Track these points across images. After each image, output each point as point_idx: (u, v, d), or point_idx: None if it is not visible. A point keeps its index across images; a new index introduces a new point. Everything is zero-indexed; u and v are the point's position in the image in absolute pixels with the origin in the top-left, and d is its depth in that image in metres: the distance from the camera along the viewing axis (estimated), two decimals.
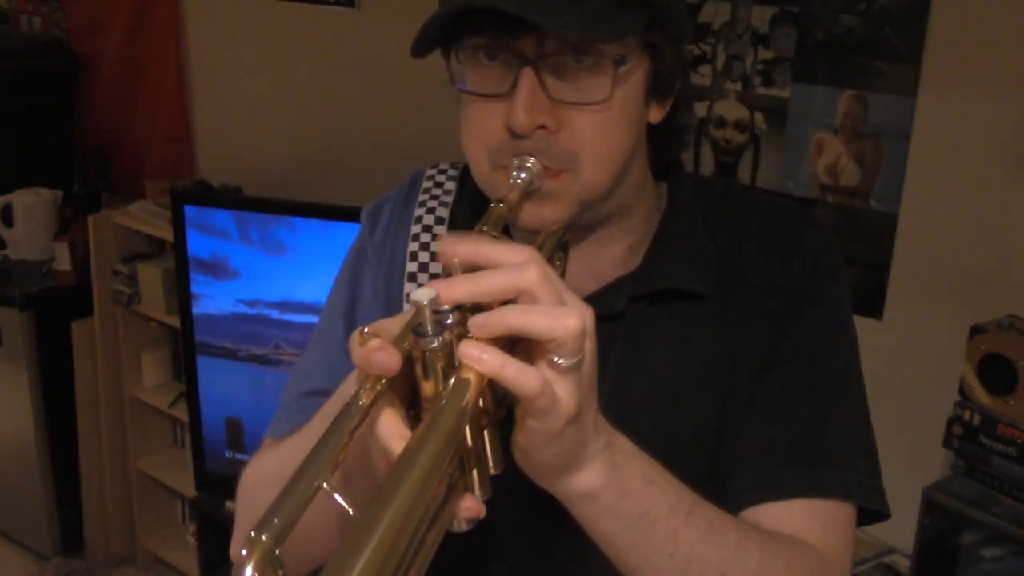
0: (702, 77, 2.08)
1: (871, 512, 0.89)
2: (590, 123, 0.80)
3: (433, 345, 0.62)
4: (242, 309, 2.65)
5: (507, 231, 0.83)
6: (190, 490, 2.91)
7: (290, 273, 2.56)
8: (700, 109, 2.09)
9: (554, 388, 0.63)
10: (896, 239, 1.88)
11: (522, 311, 0.63)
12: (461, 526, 0.65)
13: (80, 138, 3.45)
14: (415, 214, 0.98)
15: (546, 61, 0.79)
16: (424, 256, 0.95)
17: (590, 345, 0.65)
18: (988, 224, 1.78)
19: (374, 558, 0.52)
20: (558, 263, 0.81)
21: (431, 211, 0.97)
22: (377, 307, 0.96)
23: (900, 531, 1.77)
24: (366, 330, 0.63)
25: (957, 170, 1.80)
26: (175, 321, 2.83)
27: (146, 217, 2.96)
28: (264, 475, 0.90)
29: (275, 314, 2.61)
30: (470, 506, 0.64)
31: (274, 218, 2.54)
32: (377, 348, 0.62)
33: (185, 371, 2.79)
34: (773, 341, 0.89)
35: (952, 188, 1.81)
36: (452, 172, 1.01)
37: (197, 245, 2.65)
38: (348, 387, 0.74)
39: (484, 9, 0.76)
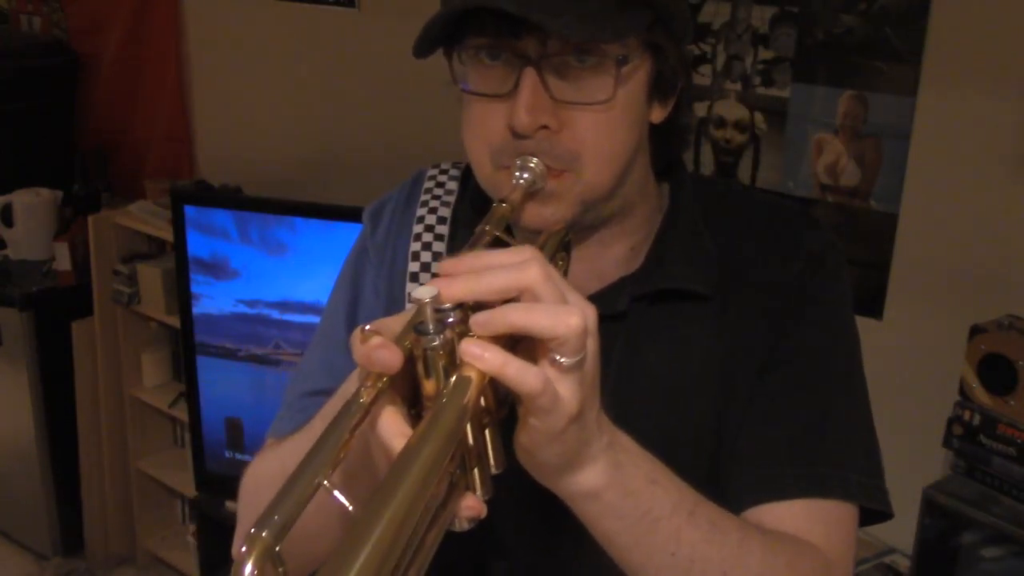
0: (702, 77, 2.08)
1: (874, 512, 0.89)
2: (592, 123, 0.80)
3: (435, 343, 0.62)
4: (242, 309, 2.65)
5: (509, 231, 0.83)
6: (190, 490, 2.91)
7: (290, 273, 2.56)
8: (700, 109, 2.09)
9: (556, 387, 0.63)
10: (896, 239, 1.88)
11: (524, 309, 0.63)
12: (462, 525, 0.65)
13: (80, 138, 3.45)
14: (417, 214, 0.97)
15: (548, 61, 0.79)
16: (426, 256, 0.95)
17: (592, 343, 0.65)
18: (988, 224, 1.78)
19: (373, 555, 0.52)
20: (560, 263, 0.81)
21: (433, 211, 0.97)
22: (379, 307, 0.96)
23: (900, 531, 1.77)
24: (367, 328, 0.63)
25: (957, 170, 1.80)
26: (175, 321, 2.83)
27: (146, 217, 2.96)
28: (266, 475, 0.90)
29: (275, 314, 2.61)
30: (471, 505, 0.64)
31: (274, 218, 2.54)
32: (378, 346, 0.62)
33: (185, 371, 2.79)
34: (773, 341, 0.89)
35: (952, 188, 1.81)
36: (454, 172, 1.01)
37: (197, 245, 2.65)
38: (350, 386, 0.74)
39: (486, 9, 0.76)
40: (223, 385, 2.72)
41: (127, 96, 3.34)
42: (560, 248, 0.81)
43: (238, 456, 2.75)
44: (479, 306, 0.64)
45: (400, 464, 0.58)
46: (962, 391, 1.67)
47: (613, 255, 0.92)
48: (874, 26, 1.84)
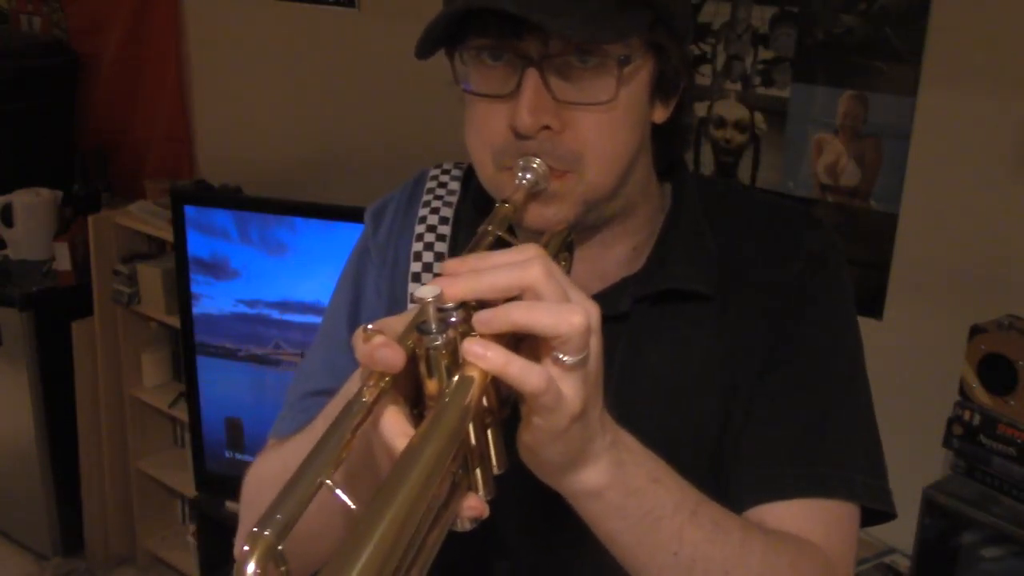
0: (702, 77, 2.08)
1: (877, 512, 0.89)
2: (595, 124, 0.80)
3: (437, 342, 0.62)
4: (242, 309, 2.65)
5: (512, 231, 0.84)
6: (190, 490, 2.91)
7: (290, 273, 2.56)
8: (700, 109, 2.09)
9: (559, 385, 0.63)
10: (896, 239, 1.88)
11: (526, 307, 0.63)
12: (464, 525, 0.65)
13: (80, 138, 3.45)
14: (419, 214, 0.97)
15: (550, 62, 0.79)
16: (428, 256, 0.95)
17: (596, 342, 0.65)
18: (988, 224, 1.78)
19: (376, 555, 0.52)
20: (563, 263, 0.81)
21: (435, 211, 0.97)
22: (380, 307, 0.96)
23: (900, 531, 1.77)
24: (370, 327, 0.63)
25: (957, 170, 1.80)
26: (175, 321, 2.83)
27: (146, 217, 2.96)
28: (268, 475, 0.90)
29: (275, 314, 2.61)
30: (473, 505, 0.64)
31: (274, 218, 2.54)
32: (381, 345, 0.61)
33: (185, 371, 2.78)
34: (773, 341, 0.89)
35: (952, 188, 1.81)
36: (456, 172, 1.01)
37: (197, 245, 2.65)
38: (352, 386, 0.74)
39: (488, 10, 0.76)
40: (223, 385, 2.72)
41: (127, 96, 3.34)
42: (563, 248, 0.81)
43: (238, 456, 2.75)
44: (482, 305, 0.64)
45: (402, 464, 0.58)
46: (962, 391, 1.67)
47: (615, 255, 0.92)
48: (874, 26, 1.84)
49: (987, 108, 1.74)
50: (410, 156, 2.51)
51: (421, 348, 0.63)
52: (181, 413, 2.95)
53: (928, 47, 1.79)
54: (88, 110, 3.44)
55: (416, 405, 0.67)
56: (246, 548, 0.52)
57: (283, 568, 0.53)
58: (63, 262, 3.10)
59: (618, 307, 0.88)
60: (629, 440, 0.72)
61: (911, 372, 1.87)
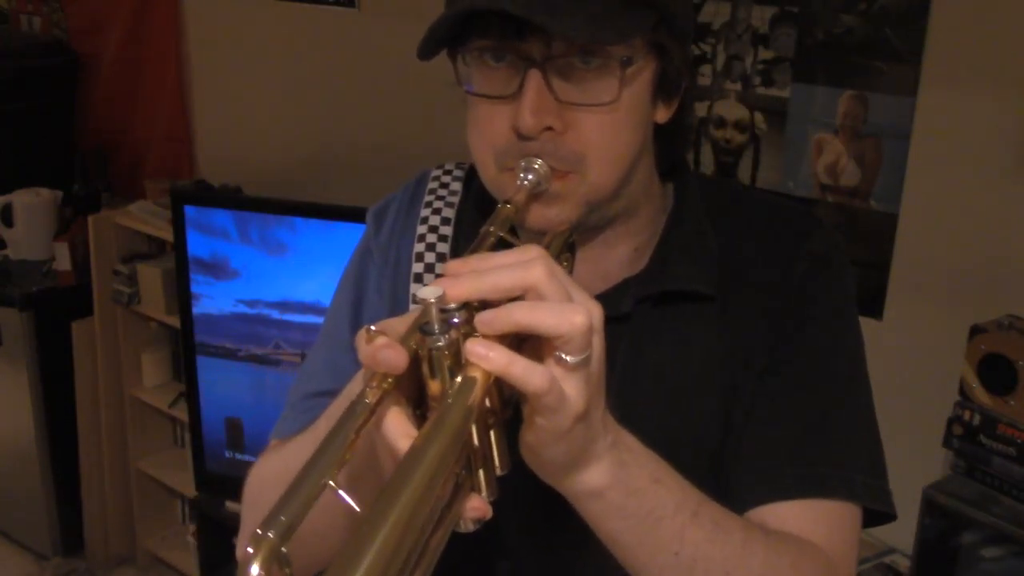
0: (702, 77, 2.08)
1: (878, 513, 0.89)
2: (597, 124, 0.81)
3: (440, 343, 0.62)
4: (242, 309, 2.65)
5: (514, 232, 0.84)
6: (190, 490, 2.91)
7: (290, 273, 2.56)
8: (700, 109, 2.09)
9: (562, 385, 0.63)
10: (896, 239, 1.88)
11: (528, 307, 0.63)
12: (467, 526, 0.65)
13: (80, 138, 3.45)
14: (421, 215, 0.98)
15: (553, 63, 0.79)
16: (430, 257, 0.95)
17: (598, 342, 0.65)
18: (988, 224, 1.78)
19: (379, 557, 0.52)
20: (565, 264, 0.81)
21: (437, 212, 0.97)
22: (382, 307, 0.96)
23: (900, 531, 1.77)
24: (373, 328, 0.63)
25: (957, 170, 1.80)
26: (175, 321, 2.83)
27: (146, 217, 2.96)
28: (270, 476, 0.90)
29: (275, 314, 2.61)
30: (476, 506, 0.64)
31: (274, 218, 2.54)
32: (384, 346, 0.61)
33: (185, 371, 2.78)
34: (773, 341, 0.89)
35: (952, 188, 1.81)
36: (458, 173, 1.01)
37: (197, 245, 2.65)
38: (354, 387, 0.74)
39: (491, 11, 0.77)
40: (223, 385, 2.72)
41: (127, 96, 3.34)
42: (565, 249, 0.81)
43: (238, 456, 2.75)
44: (484, 306, 0.64)
45: (405, 465, 0.58)
46: (962, 391, 1.67)
47: (617, 256, 0.92)
48: (874, 26, 1.84)
49: (987, 108, 1.75)
50: (410, 156, 2.51)
51: (424, 349, 0.63)
52: (181, 413, 2.95)
53: (928, 47, 1.79)
54: (88, 110, 3.44)
55: (419, 406, 0.66)
56: (250, 550, 0.52)
57: (287, 570, 0.53)
58: (63, 262, 3.10)
59: (620, 308, 0.88)
60: (631, 440, 0.72)
61: (911, 372, 1.87)
